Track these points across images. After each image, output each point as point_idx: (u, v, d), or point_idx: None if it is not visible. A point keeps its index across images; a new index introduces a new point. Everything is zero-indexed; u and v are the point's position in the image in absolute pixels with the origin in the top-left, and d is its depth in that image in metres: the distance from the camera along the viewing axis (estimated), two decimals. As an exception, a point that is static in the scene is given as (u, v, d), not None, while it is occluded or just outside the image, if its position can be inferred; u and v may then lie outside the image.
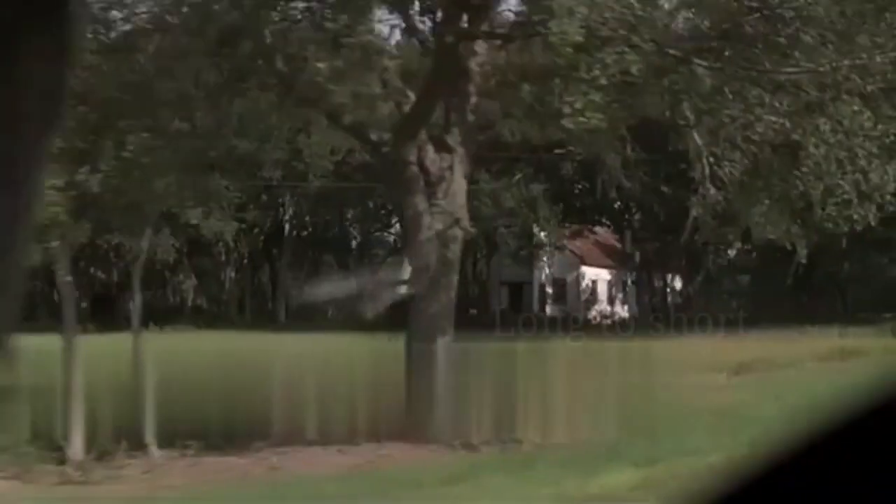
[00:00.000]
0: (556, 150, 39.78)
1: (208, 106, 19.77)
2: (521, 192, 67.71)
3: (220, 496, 14.46)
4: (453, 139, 21.20)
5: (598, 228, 77.21)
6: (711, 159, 19.08)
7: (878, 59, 16.65)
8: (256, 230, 79.97)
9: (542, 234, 71.09)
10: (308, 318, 75.85)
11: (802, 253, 21.49)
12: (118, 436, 18.12)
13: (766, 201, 19.06)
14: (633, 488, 13.91)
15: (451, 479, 14.90)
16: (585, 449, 18.25)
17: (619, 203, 71.12)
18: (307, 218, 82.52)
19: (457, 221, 21.24)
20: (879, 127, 17.36)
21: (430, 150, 21.04)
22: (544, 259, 76.44)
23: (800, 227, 20.94)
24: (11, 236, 1.12)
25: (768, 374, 31.83)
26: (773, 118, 17.85)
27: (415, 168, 20.41)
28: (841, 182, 17.51)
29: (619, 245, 76.70)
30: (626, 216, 74.63)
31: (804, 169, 17.53)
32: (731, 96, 18.75)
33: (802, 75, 17.21)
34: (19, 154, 1.13)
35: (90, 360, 24.55)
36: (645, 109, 17.97)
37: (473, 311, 77.04)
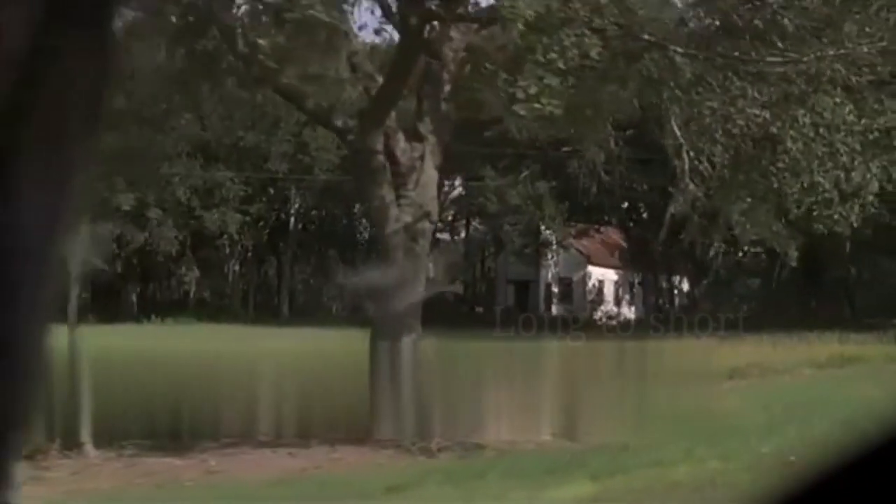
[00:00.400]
0: (564, 148, 38.83)
1: (162, 90, 18.87)
2: (527, 190, 66.73)
3: (139, 500, 13.52)
4: (425, 128, 20.22)
5: (605, 228, 76.10)
6: (692, 153, 18.01)
7: (865, 48, 15.54)
8: (262, 223, 79.25)
9: (548, 232, 70.14)
10: (312, 313, 75.02)
11: (793, 255, 20.30)
12: (58, 434, 17.19)
13: (749, 199, 17.94)
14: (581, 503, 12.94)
15: (394, 488, 13.94)
16: (549, 457, 17.25)
17: (626, 203, 70.05)
18: (313, 212, 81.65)
19: (426, 214, 20.27)
20: (863, 121, 16.20)
21: (400, 139, 20.08)
22: (551, 258, 75.50)
23: (785, 227, 19.83)
24: (52, 238, 1.12)
25: (762, 380, 30.79)
26: (756, 111, 16.76)
27: (381, 157, 19.43)
28: (820, 179, 16.34)
29: (626, 245, 75.63)
30: (633, 215, 73.56)
31: (780, 164, 16.39)
32: (717, 89, 17.71)
33: (787, 66, 16.10)
34: (61, 155, 1.13)
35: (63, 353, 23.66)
36: (611, 98, 16.82)
37: (479, 309, 76.19)
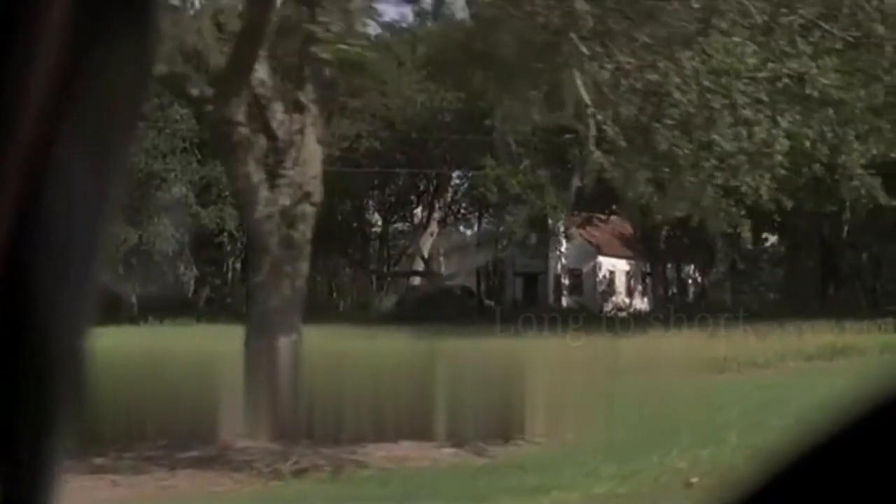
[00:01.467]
0: (566, 135, 36.09)
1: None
2: (528, 179, 63.94)
3: None
4: (306, 96, 17.52)
5: (613, 217, 73.21)
6: (599, 116, 15.15)
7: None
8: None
9: (550, 222, 67.37)
10: (318, 310, 72.41)
11: (747, 236, 17.32)
12: None
13: (667, 169, 15.01)
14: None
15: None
16: (421, 479, 14.59)
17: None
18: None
19: (307, 196, 17.55)
20: (770, 65, 13.20)
21: (277, 110, 17.40)
22: (560, 249, 72.78)
23: (733, 204, 16.79)
24: (97, 229, 1.13)
25: (738, 375, 28.02)
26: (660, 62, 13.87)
27: (243, 129, 16.71)
28: (717, 137, 13.34)
29: (633, 234, 72.70)
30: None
31: (668, 121, 13.47)
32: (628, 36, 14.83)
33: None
34: (105, 146, 1.13)
35: None
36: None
37: (490, 303, 73.52)
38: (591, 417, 21.11)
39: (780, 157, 13.24)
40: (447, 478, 14.74)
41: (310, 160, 17.65)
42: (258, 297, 17.52)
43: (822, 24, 13.36)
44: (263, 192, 17.00)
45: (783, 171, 13.59)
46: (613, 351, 33.26)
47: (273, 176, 17.29)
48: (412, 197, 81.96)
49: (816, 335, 34.71)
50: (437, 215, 78.80)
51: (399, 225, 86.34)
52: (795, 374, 27.62)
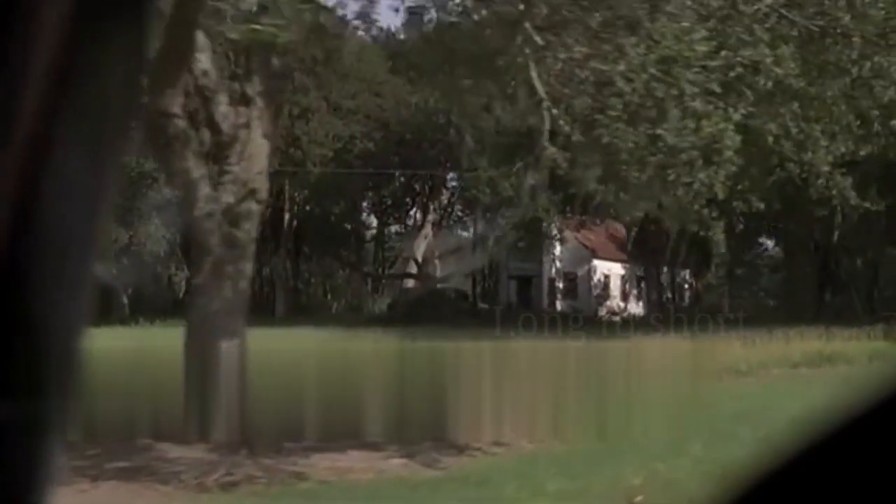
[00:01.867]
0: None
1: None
2: (521, 181, 62.99)
3: None
4: (253, 88, 16.68)
5: (608, 220, 72.25)
6: (554, 110, 14.28)
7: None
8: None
9: (544, 224, 66.50)
10: (311, 311, 71.65)
11: (719, 238, 16.37)
12: None
13: (623, 166, 14.07)
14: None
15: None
16: (360, 491, 13.76)
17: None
18: (307, 207, 78.34)
19: (252, 193, 16.69)
20: (723, 53, 12.25)
21: (221, 103, 16.55)
22: (554, 252, 71.89)
23: (705, 205, 15.86)
24: (92, 227, 1.13)
25: (718, 383, 27.04)
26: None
27: (180, 122, 15.83)
28: (663, 131, 12.37)
29: (627, 238, 71.81)
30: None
31: (612, 112, 12.55)
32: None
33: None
34: (100, 144, 1.13)
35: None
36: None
37: (484, 306, 72.68)
38: (556, 426, 20.31)
39: (730, 153, 12.29)
40: (386, 491, 13.90)
41: (256, 155, 16.80)
42: (198, 299, 16.69)
43: (783, 12, 12.46)
44: (204, 189, 16.15)
45: (734, 168, 12.66)
46: (594, 357, 32.38)
47: (217, 172, 16.45)
48: (407, 199, 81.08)
49: (805, 342, 33.82)
50: (431, 217, 77.92)
51: (395, 227, 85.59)
52: (777, 382, 26.75)
